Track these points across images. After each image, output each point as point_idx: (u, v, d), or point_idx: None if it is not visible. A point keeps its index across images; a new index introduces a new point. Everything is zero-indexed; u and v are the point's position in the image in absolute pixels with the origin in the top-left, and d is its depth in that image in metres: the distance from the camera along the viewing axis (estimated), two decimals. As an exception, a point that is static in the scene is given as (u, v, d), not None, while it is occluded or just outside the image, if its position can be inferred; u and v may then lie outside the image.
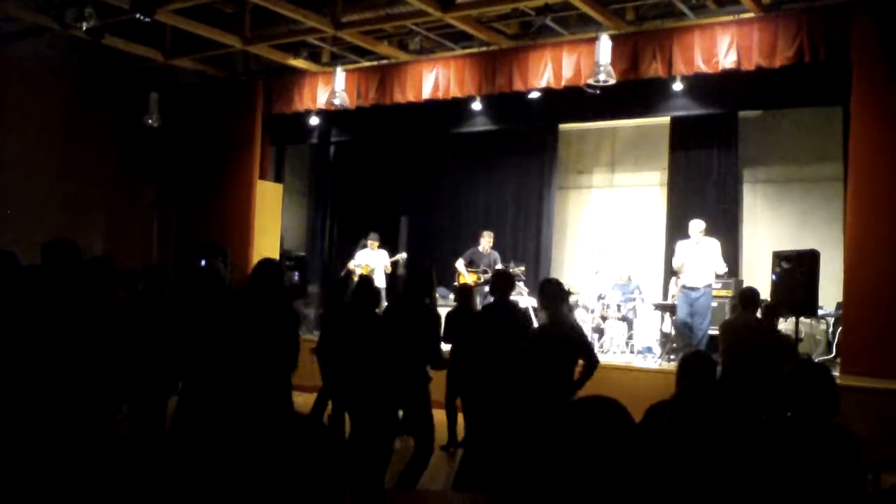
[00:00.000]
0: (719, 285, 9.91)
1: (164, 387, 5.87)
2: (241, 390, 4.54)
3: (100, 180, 12.44)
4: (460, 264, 11.41)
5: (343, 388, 6.47)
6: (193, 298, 5.74)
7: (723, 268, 9.52)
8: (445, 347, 6.52)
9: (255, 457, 1.66)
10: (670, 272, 10.79)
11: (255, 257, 10.64)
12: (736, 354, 6.67)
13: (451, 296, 9.53)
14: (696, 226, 9.68)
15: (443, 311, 9.76)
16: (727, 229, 10.91)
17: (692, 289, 9.44)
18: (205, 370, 4.74)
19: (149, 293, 5.92)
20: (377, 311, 6.90)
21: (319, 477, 1.68)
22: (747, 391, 3.95)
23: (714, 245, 9.59)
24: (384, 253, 12.25)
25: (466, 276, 11.17)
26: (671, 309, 9.96)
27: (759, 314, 7.25)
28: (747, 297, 7.24)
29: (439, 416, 6.45)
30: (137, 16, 8.96)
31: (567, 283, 11.45)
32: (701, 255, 9.52)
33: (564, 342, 6.05)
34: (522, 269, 11.33)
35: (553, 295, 6.22)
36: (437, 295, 11.75)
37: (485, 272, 11.02)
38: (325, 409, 7.24)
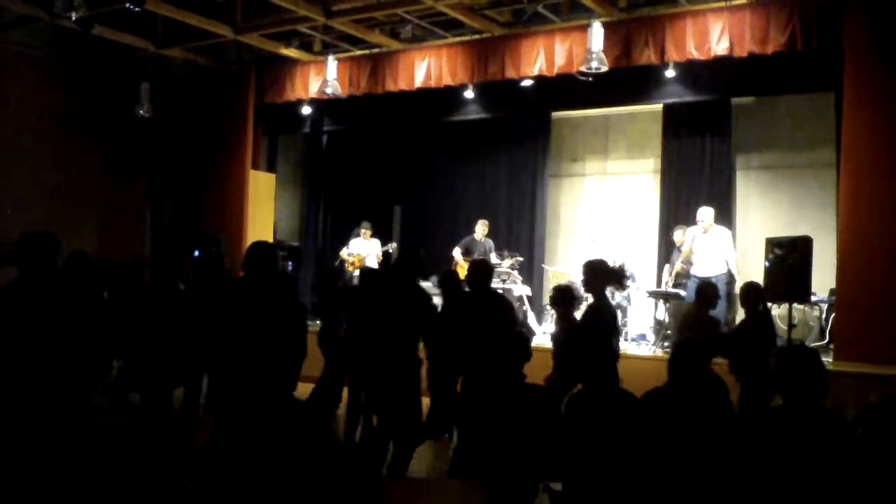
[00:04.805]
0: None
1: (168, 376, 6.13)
2: (254, 379, 4.47)
3: (90, 172, 12.38)
4: (457, 253, 11.43)
5: (362, 375, 6.27)
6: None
7: (734, 256, 9.51)
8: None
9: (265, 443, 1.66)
10: (664, 259, 10.80)
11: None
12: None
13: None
14: (704, 213, 9.64)
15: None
16: (720, 216, 10.89)
17: (701, 278, 9.43)
18: (226, 358, 4.66)
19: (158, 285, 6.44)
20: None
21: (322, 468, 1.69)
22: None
23: (724, 234, 9.58)
24: (377, 242, 12.29)
25: (463, 265, 11.16)
26: (665, 296, 9.97)
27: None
28: (699, 291, 7.55)
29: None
30: (128, 5, 8.90)
31: (563, 271, 11.50)
32: (709, 244, 9.51)
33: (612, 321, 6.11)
34: (519, 258, 11.32)
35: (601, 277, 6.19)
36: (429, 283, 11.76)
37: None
38: (334, 399, 7.09)
